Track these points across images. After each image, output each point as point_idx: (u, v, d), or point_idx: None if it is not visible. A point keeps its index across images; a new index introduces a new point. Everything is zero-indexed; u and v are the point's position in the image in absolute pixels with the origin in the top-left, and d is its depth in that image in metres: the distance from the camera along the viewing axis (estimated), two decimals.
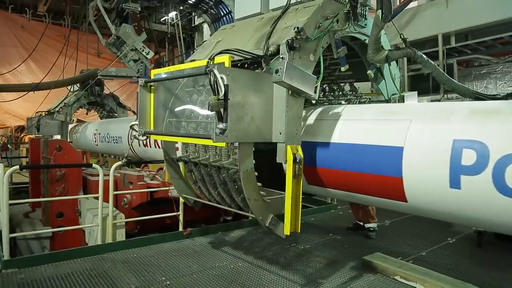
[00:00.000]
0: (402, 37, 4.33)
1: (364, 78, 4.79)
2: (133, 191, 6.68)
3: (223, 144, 3.30)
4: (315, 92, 3.47)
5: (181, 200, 5.87)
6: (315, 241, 5.52)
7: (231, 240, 5.59)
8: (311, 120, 3.98)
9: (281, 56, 3.32)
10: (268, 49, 3.43)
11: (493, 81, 9.11)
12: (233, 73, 3.04)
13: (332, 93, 5.23)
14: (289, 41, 3.24)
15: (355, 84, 5.16)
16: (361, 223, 5.82)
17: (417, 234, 5.60)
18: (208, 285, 4.03)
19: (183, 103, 4.02)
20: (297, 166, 3.21)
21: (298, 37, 3.28)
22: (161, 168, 7.27)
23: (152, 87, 4.15)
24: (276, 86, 3.32)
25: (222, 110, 2.94)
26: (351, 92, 5.06)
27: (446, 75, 4.43)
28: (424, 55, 4.41)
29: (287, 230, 3.29)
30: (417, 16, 10.11)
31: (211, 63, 3.15)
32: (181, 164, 4.43)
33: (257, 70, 3.70)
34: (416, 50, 4.32)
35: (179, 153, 4.40)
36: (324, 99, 5.21)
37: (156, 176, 7.50)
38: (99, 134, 10.16)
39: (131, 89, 17.29)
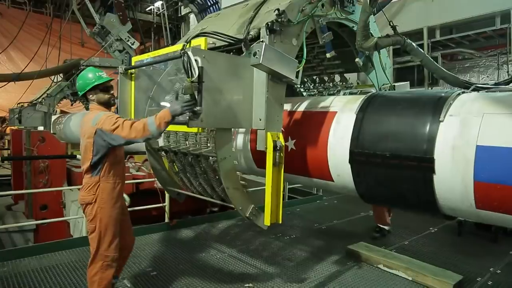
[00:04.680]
0: (392, 25, 4.18)
1: (354, 69, 4.64)
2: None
3: (197, 130, 3.27)
4: (296, 77, 3.30)
5: None
6: (301, 231, 5.58)
7: (217, 231, 5.62)
8: (496, 114, 2.72)
9: (261, 40, 3.17)
10: (248, 33, 3.31)
11: (476, 75, 9.27)
12: (210, 56, 2.91)
13: (323, 84, 5.09)
14: (269, 23, 3.11)
15: (347, 75, 4.99)
16: (386, 227, 5.50)
17: (400, 224, 5.71)
18: (194, 275, 4.05)
19: (166, 92, 3.91)
20: (277, 154, 3.09)
21: (279, 20, 3.15)
22: (147, 159, 7.21)
23: (133, 75, 4.03)
24: (256, 71, 3.20)
25: (196, 93, 2.83)
26: (341, 83, 4.91)
27: (436, 63, 4.31)
28: (413, 43, 4.26)
29: (267, 221, 3.18)
30: (404, 9, 10.17)
31: (187, 46, 3.02)
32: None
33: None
34: (405, 38, 4.17)
35: (161, 143, 4.32)
36: (315, 90, 5.08)
37: (142, 167, 7.46)
38: None
39: (116, 79, 17.01)
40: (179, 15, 17.83)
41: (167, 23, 14.09)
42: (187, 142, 3.75)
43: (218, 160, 3.20)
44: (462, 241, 5.28)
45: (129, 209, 5.95)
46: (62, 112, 14.31)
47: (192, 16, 12.59)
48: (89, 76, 3.25)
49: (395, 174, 3.10)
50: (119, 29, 9.53)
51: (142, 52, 14.51)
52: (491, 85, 3.60)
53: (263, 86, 3.16)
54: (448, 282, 3.75)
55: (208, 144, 3.53)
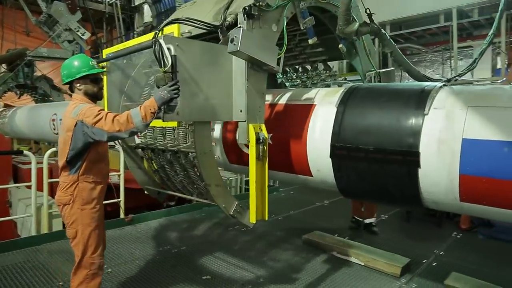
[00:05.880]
0: (368, 12, 3.96)
1: (338, 56, 4.48)
2: None
3: (174, 124, 3.11)
4: (278, 65, 3.12)
5: (122, 186, 5.71)
6: (258, 222, 5.62)
7: (173, 225, 5.57)
8: (480, 107, 2.71)
9: (239, 26, 2.97)
10: (225, 19, 3.11)
11: (423, 69, 9.76)
12: (184, 44, 2.72)
13: (306, 74, 4.84)
14: (247, 8, 2.93)
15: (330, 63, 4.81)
16: (361, 219, 5.44)
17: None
18: (151, 270, 4.01)
19: (141, 86, 3.68)
20: (261, 147, 2.96)
21: (257, 4, 2.98)
22: None
23: (105, 68, 3.80)
24: (235, 59, 3.03)
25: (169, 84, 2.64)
26: (325, 72, 4.70)
27: (404, 56, 4.32)
28: (387, 34, 4.25)
29: (253, 218, 3.03)
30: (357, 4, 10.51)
31: (159, 34, 2.80)
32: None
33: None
34: (381, 28, 4.12)
35: (138, 140, 4.04)
36: (298, 80, 4.86)
37: None
38: (60, 120, 8.72)
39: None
40: (133, 5, 17.26)
41: (119, 13, 13.60)
42: (164, 138, 3.53)
43: (198, 156, 3.03)
44: (410, 227, 5.59)
45: None
46: (6, 105, 13.47)
47: (146, 6, 12.21)
48: (82, 63, 2.93)
49: (379, 168, 3.04)
50: (68, 19, 9.10)
51: (94, 42, 13.95)
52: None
53: (242, 75, 3.01)
54: (397, 265, 3.96)
55: (187, 139, 3.33)
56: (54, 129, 8.70)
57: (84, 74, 2.89)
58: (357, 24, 3.75)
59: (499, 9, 3.68)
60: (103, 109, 2.75)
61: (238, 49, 2.74)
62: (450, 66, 8.94)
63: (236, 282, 3.76)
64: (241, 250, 4.58)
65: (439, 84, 3.08)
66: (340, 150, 3.19)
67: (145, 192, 4.14)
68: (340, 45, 4.09)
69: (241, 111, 3.04)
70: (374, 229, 5.26)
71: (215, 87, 2.98)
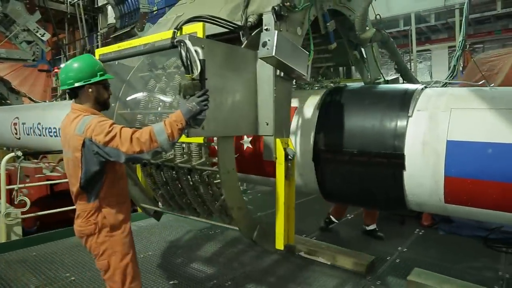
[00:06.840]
0: (379, 18, 3.80)
1: (343, 62, 4.27)
2: (30, 184, 6.14)
3: (200, 140, 2.65)
4: (306, 72, 2.87)
5: None
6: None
7: (139, 229, 5.46)
8: (463, 109, 2.69)
9: (265, 28, 2.69)
10: (247, 19, 2.81)
11: (385, 72, 10.07)
12: (209, 46, 2.36)
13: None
14: (276, 8, 2.64)
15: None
16: (337, 221, 5.39)
17: (320, 212, 6.01)
18: None
19: (137, 92, 3.29)
20: (289, 164, 2.64)
21: (287, 3, 2.71)
22: (62, 159, 6.75)
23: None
24: (260, 65, 2.71)
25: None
26: (324, 78, 4.49)
27: (407, 66, 4.29)
28: (394, 43, 4.19)
29: (279, 244, 2.72)
30: None
31: (178, 34, 2.40)
32: (138, 167, 3.62)
33: None
34: (389, 35, 4.02)
35: None
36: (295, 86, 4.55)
37: (57, 167, 6.98)
38: (23, 124, 8.05)
39: (25, 73, 15.59)
40: (96, 6, 16.87)
41: (82, 13, 13.25)
42: (171, 153, 3.10)
43: (221, 175, 2.65)
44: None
45: (43, 212, 5.56)
46: None
47: (109, 8, 11.93)
48: (96, 66, 2.49)
49: (363, 171, 2.97)
50: (26, 19, 8.77)
51: (55, 44, 13.51)
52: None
53: (269, 84, 2.70)
54: (362, 263, 4.05)
55: (201, 155, 2.92)
56: (16, 134, 8.38)
57: (101, 78, 2.48)
58: (373, 31, 3.60)
59: (464, 15, 3.83)
60: (114, 123, 2.31)
61: (273, 54, 2.46)
62: (410, 69, 9.28)
63: (203, 286, 3.74)
64: (208, 254, 4.56)
65: (420, 86, 3.11)
66: (323, 153, 3.14)
67: (140, 210, 3.78)
68: (355, 52, 3.91)
69: (267, 124, 2.73)
70: (379, 234, 5.10)
71: (239, 96, 2.65)
